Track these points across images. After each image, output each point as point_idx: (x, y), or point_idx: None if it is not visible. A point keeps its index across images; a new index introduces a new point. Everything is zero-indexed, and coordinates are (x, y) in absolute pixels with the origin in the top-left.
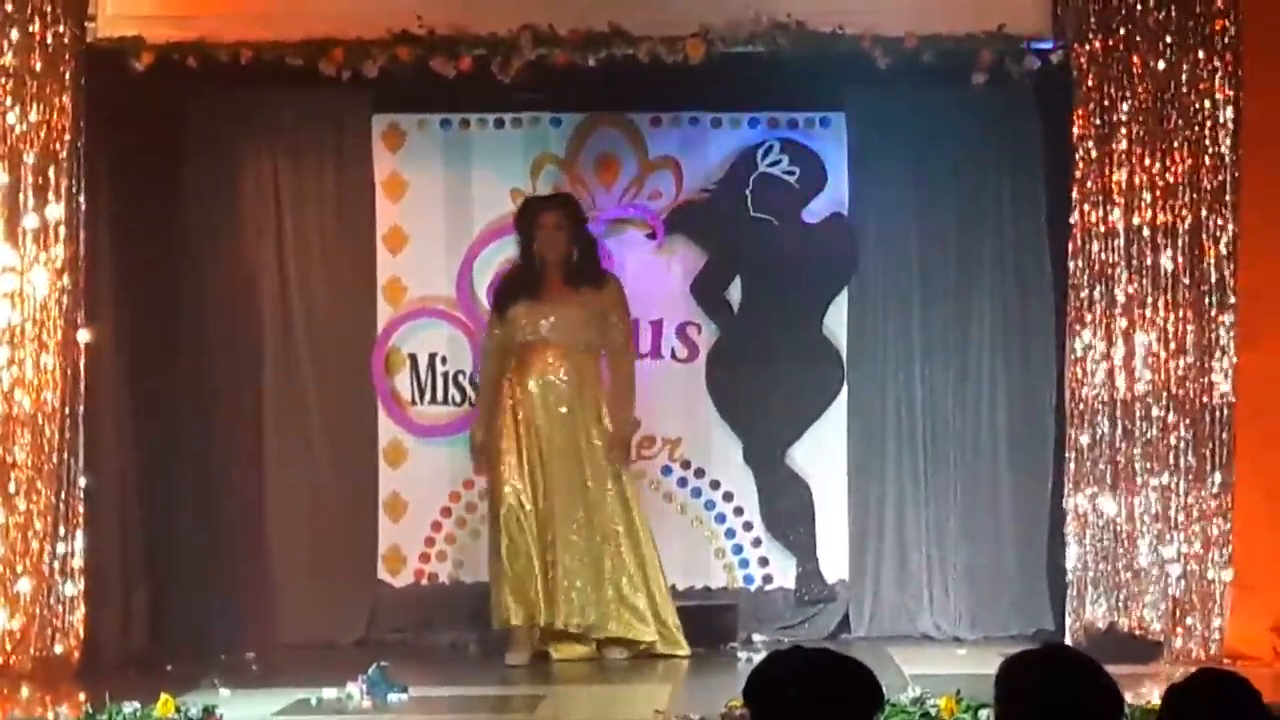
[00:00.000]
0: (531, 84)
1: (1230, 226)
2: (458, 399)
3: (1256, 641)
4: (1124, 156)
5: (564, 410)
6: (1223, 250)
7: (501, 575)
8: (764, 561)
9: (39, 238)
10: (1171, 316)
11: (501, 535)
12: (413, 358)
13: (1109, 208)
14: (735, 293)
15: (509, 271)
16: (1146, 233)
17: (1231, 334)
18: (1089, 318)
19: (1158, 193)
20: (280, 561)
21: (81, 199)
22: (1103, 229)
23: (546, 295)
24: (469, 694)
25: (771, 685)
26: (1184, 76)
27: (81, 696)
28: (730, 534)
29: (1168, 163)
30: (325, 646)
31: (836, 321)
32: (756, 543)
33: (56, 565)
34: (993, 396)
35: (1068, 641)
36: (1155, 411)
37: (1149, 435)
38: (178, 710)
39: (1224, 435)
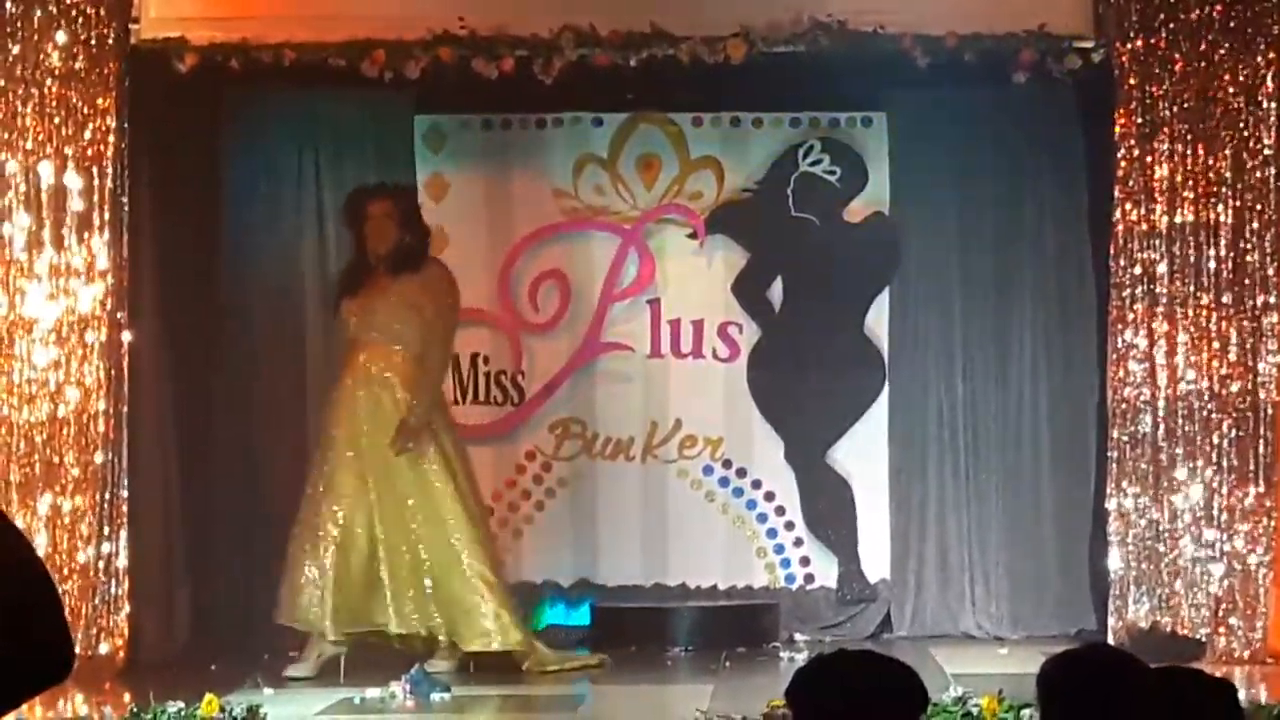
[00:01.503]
0: (573, 85)
1: (1274, 224)
2: (500, 399)
3: None
4: (1166, 155)
5: (378, 414)
6: (1266, 248)
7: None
8: (805, 561)
9: (82, 239)
10: (1214, 315)
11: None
12: (455, 358)
13: (1151, 206)
14: (777, 292)
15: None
16: (1189, 231)
17: (1275, 332)
18: (1131, 317)
19: (1200, 191)
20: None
21: (125, 200)
22: (1145, 227)
23: (363, 290)
24: (512, 694)
25: (816, 686)
26: (1226, 74)
27: (126, 696)
28: (772, 533)
29: (1210, 161)
30: (369, 646)
31: (878, 321)
32: (798, 542)
33: (101, 565)
34: (1034, 395)
35: (1110, 641)
36: (1198, 410)
37: (1191, 434)
38: (222, 710)
39: (1267, 434)
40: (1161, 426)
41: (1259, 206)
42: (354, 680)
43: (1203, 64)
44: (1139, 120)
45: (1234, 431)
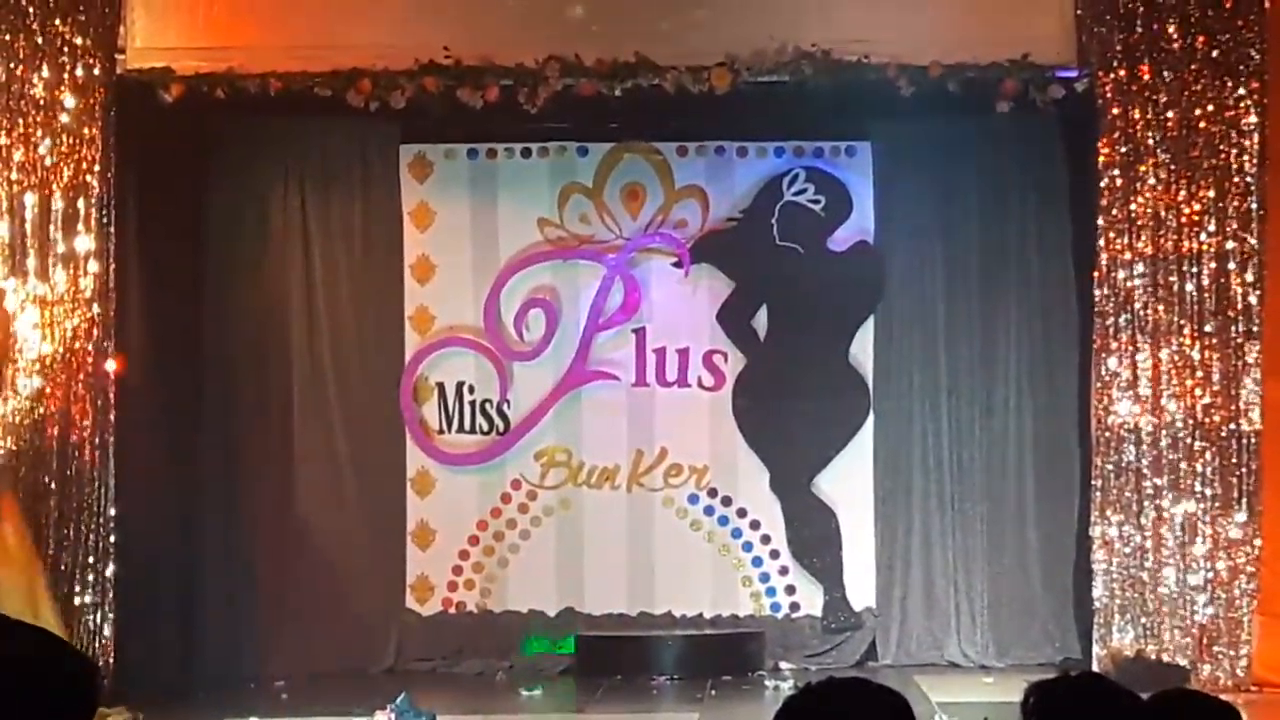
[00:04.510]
0: (558, 114)
1: (1256, 254)
2: (485, 428)
3: None
4: (1149, 184)
5: None
6: (1249, 277)
7: None
8: (791, 589)
9: (69, 268)
10: (1197, 344)
11: None
12: (440, 387)
13: (1134, 235)
14: (762, 321)
15: None
16: (1172, 260)
17: (1258, 361)
18: (1114, 345)
19: (1183, 220)
20: (309, 590)
21: (111, 229)
22: (1128, 256)
23: None
24: None
25: (806, 715)
26: (1209, 104)
27: None
28: (757, 562)
29: (1193, 190)
30: (354, 675)
31: (862, 349)
32: (783, 571)
33: (87, 594)
34: (1019, 423)
35: (1094, 669)
36: (1181, 439)
37: (1175, 462)
38: None
39: (1250, 463)
40: (1145, 455)
41: (1242, 235)
42: (341, 708)
43: (1185, 94)
44: (1122, 149)
45: (1217, 460)
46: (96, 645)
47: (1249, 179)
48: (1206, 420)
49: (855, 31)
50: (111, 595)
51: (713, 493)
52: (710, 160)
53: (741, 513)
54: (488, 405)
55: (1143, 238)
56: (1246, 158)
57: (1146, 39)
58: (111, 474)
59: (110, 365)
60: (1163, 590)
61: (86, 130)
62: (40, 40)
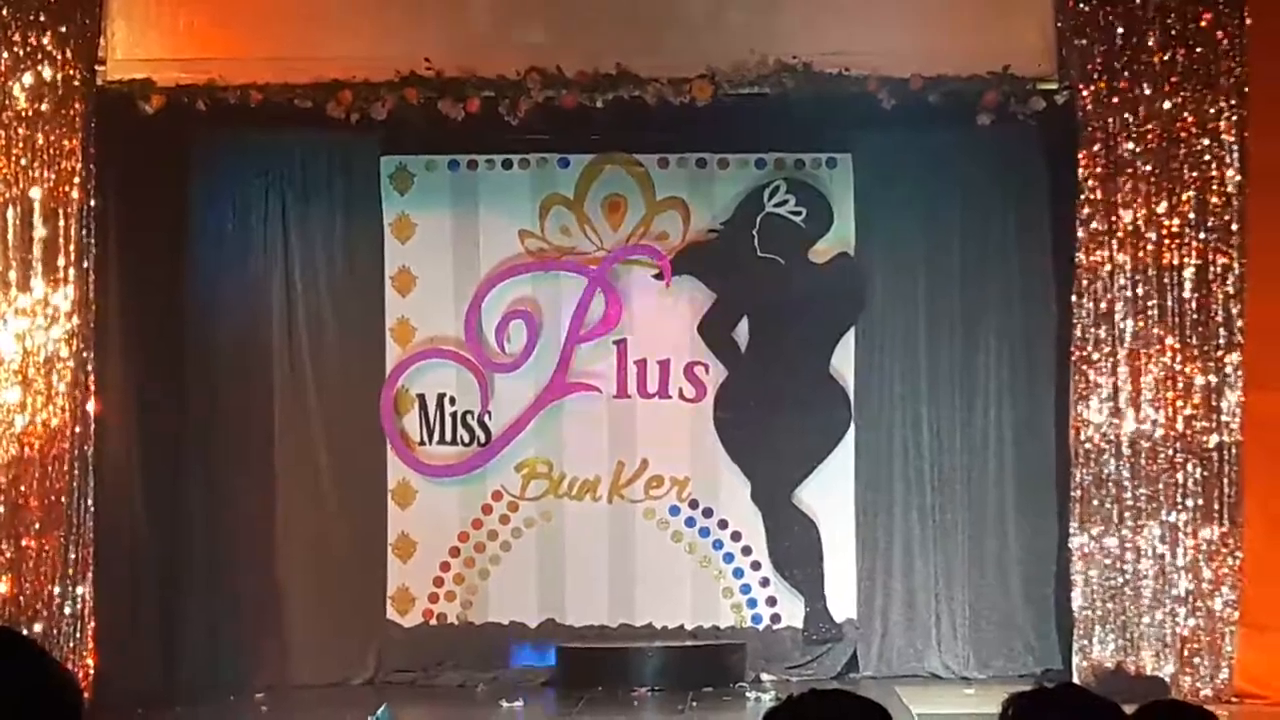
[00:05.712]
0: (539, 126)
1: (1236, 266)
2: (466, 439)
3: (1265, 681)
4: (1129, 196)
5: None
6: (1229, 289)
7: None
8: (772, 601)
9: (49, 279)
10: (1178, 356)
11: None
12: (421, 398)
13: (1114, 247)
14: (743, 333)
15: None
16: (1152, 272)
17: (1239, 373)
18: (1095, 357)
19: (1163, 232)
20: (289, 602)
21: (91, 241)
22: (1108, 268)
23: None
24: None
25: None
26: (1189, 117)
27: None
28: (738, 574)
29: (1173, 202)
30: (334, 687)
31: (844, 361)
32: (764, 582)
33: (66, 607)
34: (999, 436)
35: (1075, 681)
36: (1162, 450)
37: (1155, 474)
38: None
39: (1231, 474)
40: (1126, 466)
41: (1222, 247)
42: None
43: (1165, 106)
44: (1102, 162)
45: (1198, 472)
46: (77, 659)
47: (1229, 191)
48: (1187, 432)
49: (836, 44)
50: (92, 607)
51: (694, 504)
52: (691, 172)
53: (723, 524)
54: (469, 417)
55: (1123, 250)
56: (1227, 170)
57: (1127, 52)
58: (91, 486)
59: (90, 377)
60: (1143, 602)
61: (66, 142)
62: (20, 52)
